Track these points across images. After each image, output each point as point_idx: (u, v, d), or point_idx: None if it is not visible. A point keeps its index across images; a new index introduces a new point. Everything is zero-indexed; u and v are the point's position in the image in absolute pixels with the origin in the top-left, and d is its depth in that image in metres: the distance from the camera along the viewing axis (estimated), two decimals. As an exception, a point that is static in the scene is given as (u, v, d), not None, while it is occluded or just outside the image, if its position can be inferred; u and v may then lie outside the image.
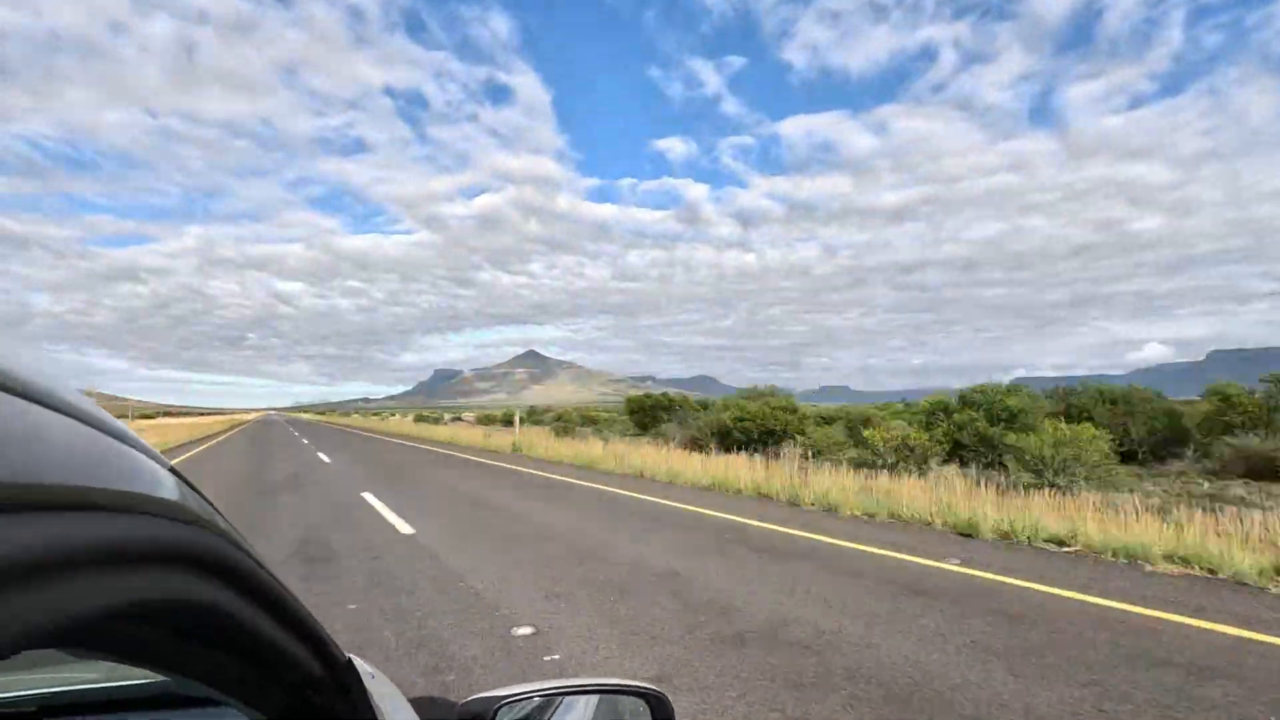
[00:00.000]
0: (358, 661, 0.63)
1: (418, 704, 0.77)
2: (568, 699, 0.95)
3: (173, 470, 0.39)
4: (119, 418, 0.41)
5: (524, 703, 0.86)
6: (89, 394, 0.40)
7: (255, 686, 0.46)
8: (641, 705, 0.97)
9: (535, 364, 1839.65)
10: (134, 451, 0.39)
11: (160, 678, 0.67)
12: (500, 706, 0.83)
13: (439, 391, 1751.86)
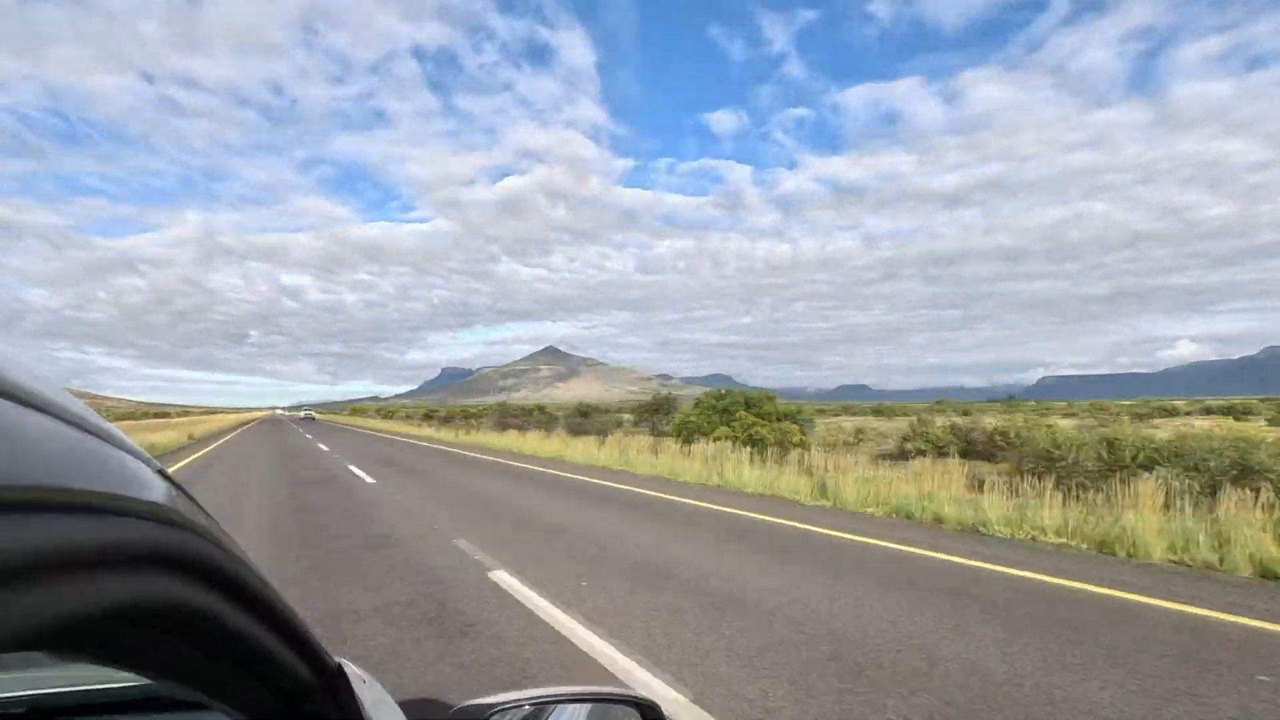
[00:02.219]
0: (348, 666, 0.64)
1: (408, 709, 0.77)
2: (559, 707, 0.96)
3: (162, 472, 0.39)
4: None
5: (515, 710, 0.87)
6: (68, 392, 0.39)
7: (243, 691, 0.46)
8: (634, 714, 0.98)
9: (557, 361, 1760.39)
10: (122, 453, 0.39)
11: (148, 680, 0.69)
12: (491, 714, 0.83)
13: (451, 390, 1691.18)
